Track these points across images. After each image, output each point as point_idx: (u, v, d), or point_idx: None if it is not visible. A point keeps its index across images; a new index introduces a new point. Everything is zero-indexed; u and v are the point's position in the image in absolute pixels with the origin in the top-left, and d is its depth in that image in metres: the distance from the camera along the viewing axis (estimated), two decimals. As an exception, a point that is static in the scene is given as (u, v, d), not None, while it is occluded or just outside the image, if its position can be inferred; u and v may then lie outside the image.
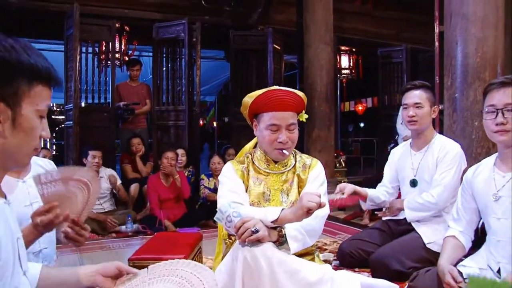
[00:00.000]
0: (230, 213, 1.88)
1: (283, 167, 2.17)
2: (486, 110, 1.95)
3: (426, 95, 2.86)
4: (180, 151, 5.56)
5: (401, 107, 3.00)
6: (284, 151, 2.08)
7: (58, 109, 16.10)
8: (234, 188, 2.10)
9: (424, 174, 2.85)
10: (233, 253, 1.87)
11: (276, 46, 6.90)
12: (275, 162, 2.16)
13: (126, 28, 7.16)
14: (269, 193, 2.12)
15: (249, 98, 2.13)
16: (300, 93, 2.13)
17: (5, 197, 1.17)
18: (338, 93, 9.74)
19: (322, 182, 2.18)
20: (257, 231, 1.79)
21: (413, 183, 2.89)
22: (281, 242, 1.89)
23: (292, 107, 2.08)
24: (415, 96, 2.86)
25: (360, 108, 14.17)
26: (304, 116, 2.16)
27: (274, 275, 1.75)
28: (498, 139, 1.93)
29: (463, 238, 2.15)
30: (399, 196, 3.13)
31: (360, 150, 14.13)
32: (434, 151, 2.82)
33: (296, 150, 2.28)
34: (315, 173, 2.18)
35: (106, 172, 5.09)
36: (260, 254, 1.76)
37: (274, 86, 2.22)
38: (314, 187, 2.13)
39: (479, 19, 3.42)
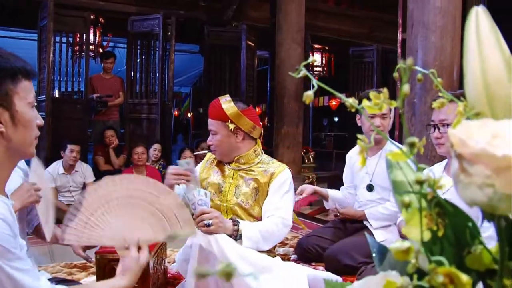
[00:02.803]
0: (196, 201, 2.05)
1: (240, 164, 2.35)
2: (428, 125, 2.14)
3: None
4: (157, 146, 5.69)
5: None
6: (212, 152, 2.39)
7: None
8: None
9: (379, 179, 2.97)
10: (190, 240, 2.05)
11: (250, 43, 7.03)
12: (229, 161, 2.38)
13: (101, 20, 7.17)
14: (223, 185, 2.33)
15: None
16: (226, 106, 2.28)
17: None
18: (311, 90, 9.93)
19: (286, 190, 2.27)
20: (209, 225, 1.99)
21: (370, 188, 3.00)
22: (235, 238, 2.06)
23: (213, 115, 2.32)
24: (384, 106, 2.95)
25: (334, 103, 14.41)
26: (230, 126, 2.28)
27: (225, 258, 1.91)
28: (438, 151, 2.12)
29: None
30: None
31: (333, 145, 14.38)
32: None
33: (264, 155, 2.42)
34: (279, 182, 2.27)
35: (83, 166, 5.15)
36: (213, 241, 1.93)
37: (225, 95, 2.39)
38: (275, 198, 2.25)
39: (438, 29, 3.62)
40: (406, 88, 0.41)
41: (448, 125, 2.00)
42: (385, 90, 0.45)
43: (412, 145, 0.41)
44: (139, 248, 1.45)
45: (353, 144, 3.44)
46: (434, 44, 3.62)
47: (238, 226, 2.08)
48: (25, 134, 1.21)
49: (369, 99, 0.50)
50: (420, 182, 0.40)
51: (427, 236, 0.42)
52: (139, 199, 1.45)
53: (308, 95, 0.46)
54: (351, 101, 0.45)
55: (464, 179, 0.38)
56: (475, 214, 0.49)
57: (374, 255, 0.55)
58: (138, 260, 1.43)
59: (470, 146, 0.37)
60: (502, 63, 0.44)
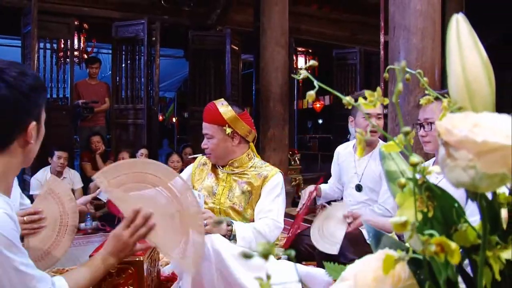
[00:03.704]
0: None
1: (234, 168, 2.38)
2: (416, 124, 2.22)
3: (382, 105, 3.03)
4: (143, 151, 5.71)
5: (359, 114, 2.93)
6: (206, 155, 2.38)
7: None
8: None
9: (368, 181, 2.96)
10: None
11: (234, 47, 7.10)
12: (223, 164, 2.40)
13: (85, 26, 7.18)
14: (216, 188, 2.36)
15: None
16: (223, 110, 2.29)
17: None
18: (295, 92, 10.03)
19: (277, 194, 2.32)
20: (204, 225, 2.02)
21: (359, 188, 2.99)
22: (229, 238, 2.11)
23: (209, 119, 2.32)
24: (377, 108, 2.83)
25: (318, 105, 14.54)
26: (227, 130, 2.29)
27: (220, 257, 1.96)
28: (424, 149, 2.19)
29: None
30: None
31: (317, 147, 14.49)
32: (377, 160, 2.89)
33: (256, 159, 2.46)
34: (271, 185, 2.31)
35: (70, 173, 5.16)
36: (208, 241, 1.96)
37: (220, 99, 2.42)
38: (268, 201, 2.30)
39: (419, 31, 3.72)
40: (400, 86, 0.47)
41: (432, 123, 2.07)
42: (378, 89, 0.51)
43: (406, 134, 0.47)
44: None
45: (337, 146, 3.48)
46: (415, 46, 3.72)
47: (232, 226, 2.13)
48: (38, 146, 1.29)
49: (361, 99, 0.56)
50: (414, 165, 0.45)
51: (419, 217, 0.48)
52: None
53: (310, 94, 0.52)
54: (348, 99, 0.51)
55: (450, 163, 0.44)
56: (462, 201, 0.55)
57: (370, 240, 0.61)
58: (132, 248, 1.44)
59: (454, 134, 0.43)
60: (480, 63, 0.50)
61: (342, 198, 3.34)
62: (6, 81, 1.15)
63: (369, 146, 2.99)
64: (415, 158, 0.45)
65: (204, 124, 2.34)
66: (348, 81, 8.67)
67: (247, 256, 0.42)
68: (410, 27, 3.72)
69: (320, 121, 18.65)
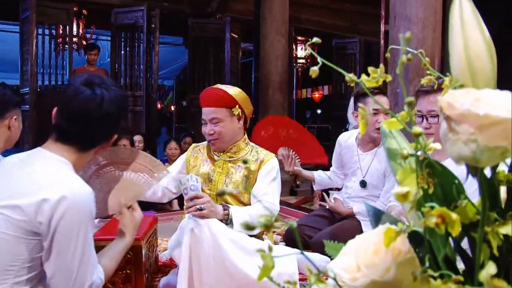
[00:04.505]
0: (189, 186, 2.10)
1: (231, 155, 2.40)
2: (416, 115, 2.18)
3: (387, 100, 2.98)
4: (138, 137, 5.70)
5: (370, 109, 2.86)
6: (211, 141, 2.34)
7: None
8: (171, 169, 2.52)
9: (373, 179, 2.96)
10: (182, 225, 2.12)
11: (234, 35, 7.08)
12: (223, 150, 2.40)
13: (84, 12, 7.14)
14: (213, 174, 2.37)
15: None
16: (232, 91, 2.30)
17: None
18: (295, 82, 10.01)
19: (273, 177, 2.34)
20: (201, 209, 2.04)
21: (363, 184, 2.99)
22: (226, 222, 2.12)
23: (216, 103, 2.28)
24: (385, 103, 2.85)
25: (316, 95, 14.51)
26: (236, 111, 2.30)
27: (217, 242, 1.99)
28: None
29: None
30: None
31: (316, 137, 14.44)
32: (382, 159, 2.88)
33: (251, 143, 2.48)
34: (267, 169, 2.34)
35: None
36: (204, 224, 2.00)
37: (218, 84, 2.43)
38: (263, 185, 2.32)
39: (420, 21, 3.71)
40: (404, 58, 0.47)
41: (437, 116, 2.01)
42: (381, 65, 0.51)
43: (410, 104, 0.47)
44: (130, 207, 1.66)
45: (336, 136, 3.46)
46: (416, 36, 3.70)
47: (229, 210, 2.15)
48: None
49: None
50: (417, 135, 0.46)
51: (420, 193, 0.48)
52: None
53: (314, 70, 0.52)
54: (351, 76, 0.51)
55: (452, 137, 0.44)
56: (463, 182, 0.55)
57: (370, 218, 0.62)
58: (132, 217, 1.64)
59: (456, 108, 0.43)
60: (482, 41, 0.51)
61: (341, 188, 3.35)
62: (111, 98, 1.34)
63: (373, 142, 2.97)
64: (417, 128, 0.46)
65: (210, 109, 2.30)
66: (347, 70, 8.56)
67: (249, 227, 0.43)
68: (411, 17, 3.71)
69: (319, 111, 18.61)
